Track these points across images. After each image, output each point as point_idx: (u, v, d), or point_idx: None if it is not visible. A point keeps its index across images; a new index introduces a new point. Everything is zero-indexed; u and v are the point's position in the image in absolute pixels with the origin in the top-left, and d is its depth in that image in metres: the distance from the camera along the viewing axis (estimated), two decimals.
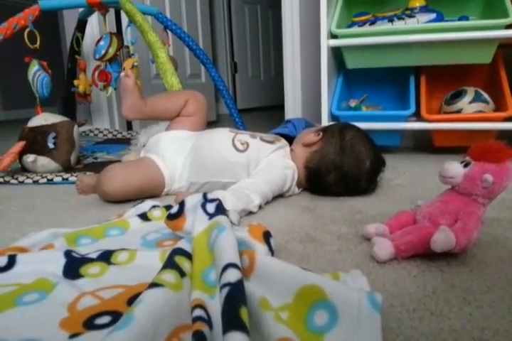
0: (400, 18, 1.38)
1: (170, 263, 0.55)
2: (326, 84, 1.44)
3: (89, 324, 0.50)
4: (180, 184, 1.08)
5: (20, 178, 1.30)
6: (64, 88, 1.92)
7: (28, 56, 1.50)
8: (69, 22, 2.17)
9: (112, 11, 1.95)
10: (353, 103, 1.64)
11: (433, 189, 0.99)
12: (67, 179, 1.28)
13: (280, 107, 2.19)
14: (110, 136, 2.19)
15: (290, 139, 1.62)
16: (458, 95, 1.39)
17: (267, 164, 1.01)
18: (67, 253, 0.66)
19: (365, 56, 1.42)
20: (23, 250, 0.72)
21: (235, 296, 0.43)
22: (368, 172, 1.00)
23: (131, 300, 0.55)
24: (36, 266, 0.64)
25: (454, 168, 0.67)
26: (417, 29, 1.32)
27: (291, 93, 2.02)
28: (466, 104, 1.36)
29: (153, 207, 0.95)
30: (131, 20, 1.41)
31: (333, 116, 1.48)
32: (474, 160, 0.66)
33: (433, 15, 1.34)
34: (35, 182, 1.28)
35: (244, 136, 1.07)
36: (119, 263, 0.66)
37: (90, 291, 0.58)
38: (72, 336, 0.48)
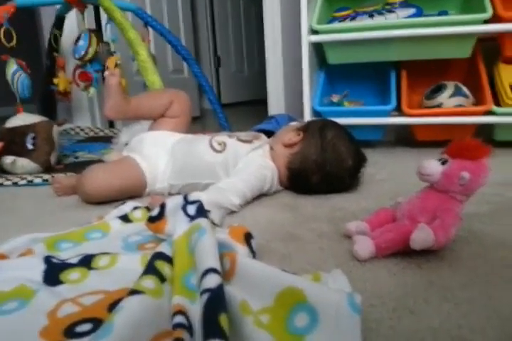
0: (380, 13, 1.38)
1: (150, 269, 0.55)
2: (307, 80, 1.44)
3: (70, 332, 0.50)
4: (162, 184, 1.08)
5: None
6: (42, 86, 1.89)
7: (5, 55, 1.47)
8: (46, 19, 2.13)
9: (90, 7, 1.92)
10: (335, 98, 1.64)
11: (413, 184, 0.99)
12: (47, 180, 1.26)
13: (264, 102, 2.19)
14: (92, 134, 2.16)
15: (271, 133, 1.62)
16: (438, 89, 1.40)
17: (245, 164, 1.00)
18: (47, 259, 0.66)
19: (346, 51, 1.42)
20: (2, 256, 0.71)
21: (215, 302, 0.43)
22: (350, 170, 1.00)
23: (112, 307, 0.54)
24: (15, 272, 0.64)
25: (432, 165, 0.67)
26: (396, 24, 1.33)
27: (273, 88, 2.02)
28: (446, 98, 1.37)
29: (135, 208, 0.94)
30: (110, 18, 1.39)
31: (315, 112, 1.48)
32: (452, 157, 0.67)
33: (412, 10, 1.35)
34: (15, 184, 1.27)
35: (221, 137, 1.08)
36: (100, 267, 0.66)
37: (71, 298, 0.57)
38: None
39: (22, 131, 1.32)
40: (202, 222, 0.63)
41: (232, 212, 0.91)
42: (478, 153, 0.65)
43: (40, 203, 1.08)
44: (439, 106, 1.38)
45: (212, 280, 0.47)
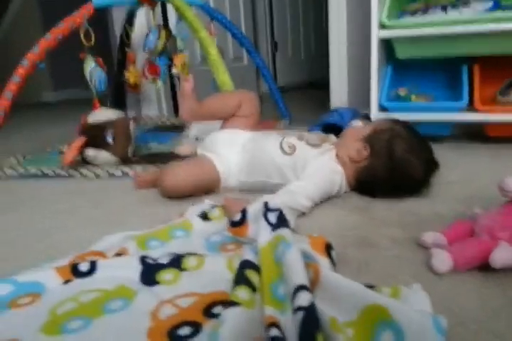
0: (454, 6, 1.34)
1: (242, 279, 0.60)
2: (375, 75, 1.43)
3: (173, 334, 0.56)
4: (234, 182, 1.13)
5: (83, 172, 1.38)
6: (114, 79, 1.98)
7: (83, 53, 1.55)
8: (117, 15, 2.22)
9: (158, 3, 1.97)
10: (402, 92, 1.62)
11: (487, 187, 0.99)
12: (127, 173, 1.35)
13: (321, 86, 2.17)
14: (160, 123, 2.26)
15: (337, 128, 1.63)
16: None
17: (315, 168, 1.02)
18: (142, 260, 0.72)
19: (416, 46, 1.40)
20: (101, 254, 0.78)
21: (310, 321, 0.47)
22: (420, 181, 1.01)
23: (206, 309, 0.60)
24: (115, 272, 0.71)
25: None
26: (472, 20, 1.28)
27: (337, 76, 2.01)
28: None
29: (212, 207, 1.00)
30: (182, 16, 1.43)
31: (382, 107, 1.47)
32: None
33: (489, 4, 1.29)
34: (97, 175, 1.37)
35: (291, 138, 1.10)
36: (189, 268, 0.72)
37: (168, 299, 0.63)
38: None
39: (103, 126, 1.41)
40: (285, 233, 0.68)
41: (302, 215, 0.94)
42: None
43: (123, 195, 1.17)
44: None
45: (304, 298, 0.51)
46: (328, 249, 0.69)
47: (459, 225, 0.76)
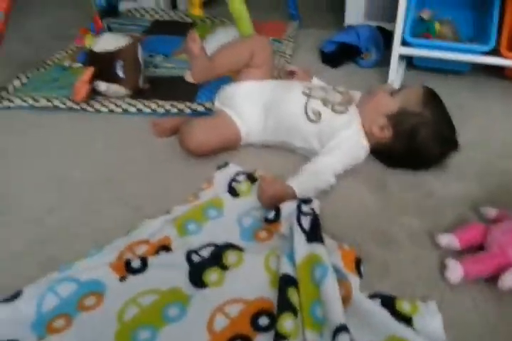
0: None
1: (285, 302, 0.70)
2: (403, 7, 1.31)
3: None
4: (256, 139, 1.15)
5: (96, 106, 1.36)
6: None
7: None
8: None
9: None
10: (425, 14, 1.50)
11: (507, 149, 1.09)
12: (141, 110, 1.34)
13: None
14: (157, 16, 2.09)
15: (353, 48, 1.56)
16: None
17: (342, 141, 1.03)
18: (188, 257, 0.81)
19: None
20: (146, 242, 0.87)
21: None
22: (437, 159, 1.04)
23: (253, 320, 0.71)
24: (165, 271, 0.80)
25: None
26: None
27: None
28: None
29: (237, 174, 1.04)
30: None
31: (404, 42, 1.38)
32: None
33: None
34: (111, 111, 1.35)
35: (316, 104, 1.07)
36: (230, 265, 0.81)
37: (219, 306, 0.74)
38: None
39: (110, 57, 1.33)
40: (321, 251, 0.75)
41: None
42: None
43: (139, 146, 1.19)
44: None
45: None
46: (357, 263, 0.78)
47: (472, 229, 0.84)
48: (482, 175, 1.04)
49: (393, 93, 1.07)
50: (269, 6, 2.14)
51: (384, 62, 1.48)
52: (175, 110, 1.32)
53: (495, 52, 1.32)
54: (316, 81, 1.25)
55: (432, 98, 1.05)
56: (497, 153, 1.12)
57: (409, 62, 1.55)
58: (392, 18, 1.37)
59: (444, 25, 1.47)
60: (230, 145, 1.14)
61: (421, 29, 1.49)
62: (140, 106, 1.34)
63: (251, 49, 1.14)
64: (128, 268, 0.80)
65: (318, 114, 1.06)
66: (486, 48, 1.30)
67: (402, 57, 1.44)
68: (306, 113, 1.07)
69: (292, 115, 1.08)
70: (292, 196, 0.92)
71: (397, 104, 1.04)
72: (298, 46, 1.77)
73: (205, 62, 1.11)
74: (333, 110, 1.07)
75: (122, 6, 2.11)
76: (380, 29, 1.69)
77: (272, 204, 0.90)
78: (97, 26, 1.55)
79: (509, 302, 0.75)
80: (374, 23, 1.75)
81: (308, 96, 1.09)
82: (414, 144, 1.01)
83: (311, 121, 1.06)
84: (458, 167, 1.07)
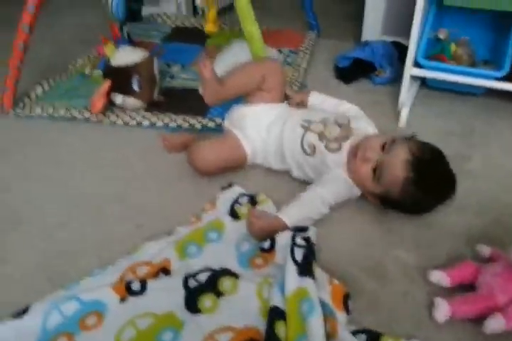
0: None
1: (272, 337, 0.73)
2: (417, 27, 1.31)
3: None
4: (260, 161, 1.18)
5: (112, 117, 1.40)
6: None
7: None
8: None
9: None
10: (442, 34, 1.49)
11: (510, 179, 1.10)
12: (154, 124, 1.38)
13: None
14: (178, 23, 2.13)
15: (368, 64, 1.56)
16: None
17: (335, 177, 1.03)
18: (185, 283, 0.85)
19: None
20: (148, 264, 0.91)
21: None
22: (432, 208, 1.01)
23: None
24: (163, 295, 0.84)
25: None
26: None
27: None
28: None
29: (240, 195, 1.08)
30: None
31: (417, 63, 1.38)
32: None
33: None
34: (126, 123, 1.39)
35: (312, 137, 1.07)
36: (225, 292, 0.85)
37: (209, 334, 0.77)
38: None
39: (127, 72, 1.37)
40: (310, 286, 0.78)
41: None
42: None
43: (151, 161, 1.23)
44: None
45: None
46: (345, 299, 0.80)
47: (464, 267, 0.85)
48: (482, 208, 1.05)
49: (386, 146, 0.99)
50: (289, 15, 2.16)
51: (398, 79, 1.48)
52: (186, 125, 1.36)
53: (509, 76, 1.31)
54: (315, 96, 1.26)
55: (415, 179, 0.94)
56: (501, 184, 1.12)
57: (423, 81, 1.55)
58: (409, 34, 1.36)
59: (460, 46, 1.46)
60: (236, 166, 1.17)
61: (436, 49, 1.49)
62: (154, 119, 1.38)
63: (262, 73, 1.16)
64: (128, 290, 0.84)
65: (313, 148, 1.07)
66: (499, 74, 1.29)
67: (415, 77, 1.44)
68: (302, 146, 1.08)
69: (290, 146, 1.10)
70: (283, 227, 0.94)
71: (379, 189, 0.99)
72: (314, 58, 1.78)
73: (216, 85, 1.13)
74: (326, 147, 1.05)
75: (145, 11, 2.16)
76: (397, 44, 1.70)
77: (263, 236, 0.93)
78: (114, 35, 1.59)
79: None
80: (391, 38, 1.76)
81: (306, 129, 1.10)
82: (408, 196, 0.96)
83: (306, 154, 1.08)
84: (459, 198, 1.06)
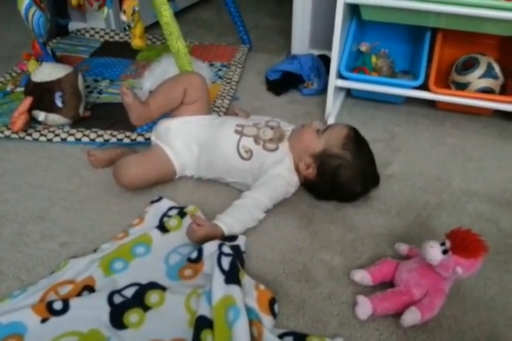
0: None
1: None
2: (337, 41, 1.37)
3: None
4: (190, 173, 1.18)
5: (35, 135, 1.36)
6: None
7: None
8: None
9: None
10: (364, 47, 1.58)
11: (429, 183, 1.17)
12: (79, 139, 1.35)
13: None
14: (107, 37, 2.10)
15: (296, 77, 1.61)
16: (470, 66, 1.36)
17: (272, 178, 1.06)
18: (110, 300, 0.83)
19: (382, 11, 1.32)
20: (71, 282, 0.88)
21: None
22: (359, 197, 1.11)
23: None
24: (87, 313, 0.81)
25: (434, 253, 0.79)
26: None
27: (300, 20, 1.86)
28: (475, 78, 1.34)
29: (170, 209, 1.07)
30: None
31: (340, 75, 1.45)
32: (452, 248, 0.78)
33: None
34: (49, 140, 1.35)
35: (248, 141, 1.10)
36: (152, 305, 0.83)
37: None
38: None
39: (49, 88, 1.33)
40: (236, 293, 0.78)
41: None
42: (476, 253, 0.76)
43: (76, 176, 1.20)
44: (466, 85, 1.36)
45: None
46: (271, 303, 0.81)
47: (385, 265, 0.89)
48: (403, 209, 1.10)
49: (320, 131, 1.11)
50: (222, 29, 2.19)
51: (326, 90, 1.53)
52: (114, 140, 1.34)
53: (425, 86, 1.40)
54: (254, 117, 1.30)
55: (353, 139, 1.08)
56: (420, 186, 1.18)
57: (349, 91, 1.62)
58: None
59: (380, 58, 1.54)
60: (164, 179, 1.17)
61: (359, 61, 1.57)
62: (79, 135, 1.35)
63: (183, 87, 1.17)
64: (50, 310, 0.81)
65: (250, 152, 1.10)
66: (415, 84, 1.38)
67: (340, 88, 1.51)
68: (239, 151, 1.10)
69: (225, 153, 1.11)
70: (221, 235, 0.95)
71: (321, 145, 1.08)
72: (246, 71, 1.81)
73: (140, 108, 1.13)
74: (264, 148, 1.10)
75: (73, 26, 2.13)
76: (324, 57, 1.76)
77: (203, 243, 0.93)
78: (35, 52, 1.55)
79: (413, 338, 0.80)
80: (319, 52, 1.82)
81: (241, 134, 1.12)
82: (336, 184, 1.06)
83: (243, 158, 1.10)
84: (381, 200, 1.13)
